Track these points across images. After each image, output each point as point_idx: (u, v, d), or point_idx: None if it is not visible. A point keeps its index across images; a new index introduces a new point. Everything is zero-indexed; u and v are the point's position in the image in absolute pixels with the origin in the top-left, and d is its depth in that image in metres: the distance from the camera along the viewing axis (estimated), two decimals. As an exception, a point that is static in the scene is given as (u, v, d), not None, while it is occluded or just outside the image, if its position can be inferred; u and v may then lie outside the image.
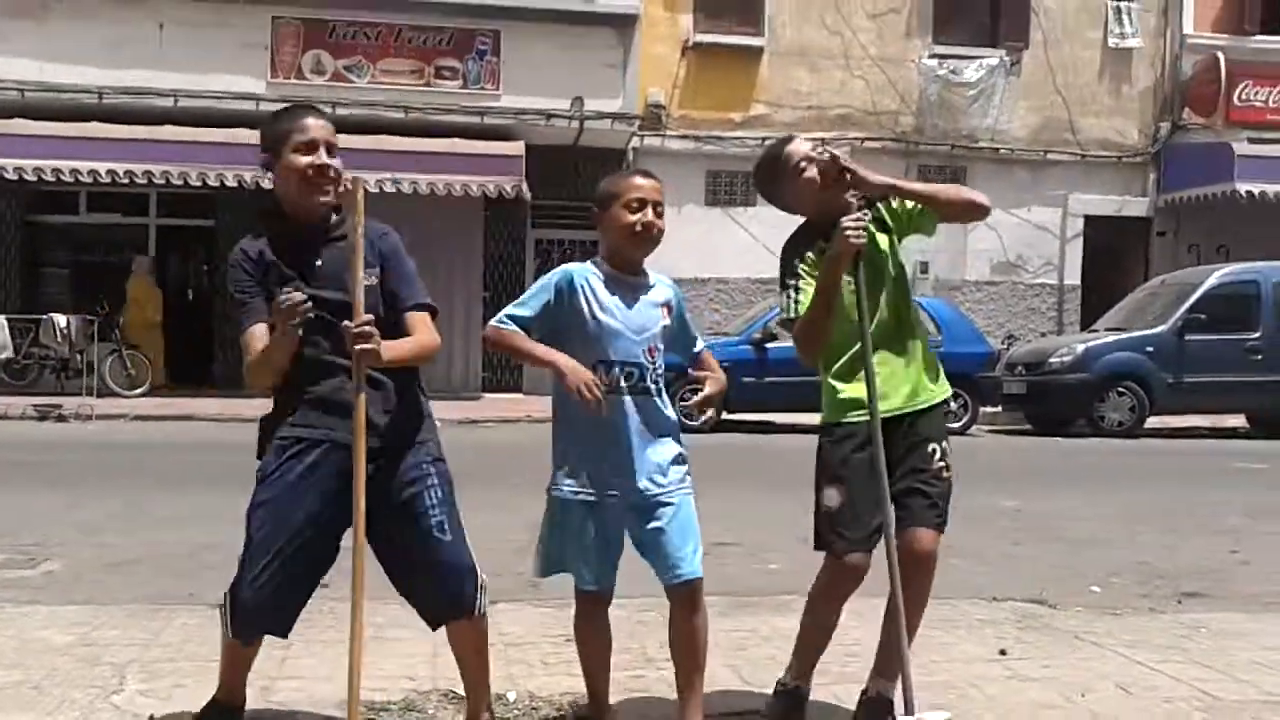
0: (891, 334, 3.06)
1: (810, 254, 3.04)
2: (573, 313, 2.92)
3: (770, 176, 3.14)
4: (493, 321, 2.94)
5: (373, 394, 2.74)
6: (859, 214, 2.92)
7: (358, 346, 2.63)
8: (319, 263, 2.80)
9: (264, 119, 2.93)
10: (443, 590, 2.83)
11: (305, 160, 2.77)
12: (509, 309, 2.95)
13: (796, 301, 3.02)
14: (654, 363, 2.95)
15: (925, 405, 3.08)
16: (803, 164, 3.05)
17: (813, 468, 3.10)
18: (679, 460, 2.96)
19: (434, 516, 2.80)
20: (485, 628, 2.97)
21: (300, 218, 2.83)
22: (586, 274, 2.96)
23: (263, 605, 2.76)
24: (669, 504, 2.90)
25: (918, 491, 3.01)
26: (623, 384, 2.89)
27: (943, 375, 3.17)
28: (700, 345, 3.17)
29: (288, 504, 2.75)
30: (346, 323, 2.65)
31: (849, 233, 2.88)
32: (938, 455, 3.05)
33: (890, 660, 3.02)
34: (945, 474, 3.05)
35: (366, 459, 2.68)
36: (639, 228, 2.92)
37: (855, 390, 3.01)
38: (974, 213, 3.18)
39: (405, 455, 2.82)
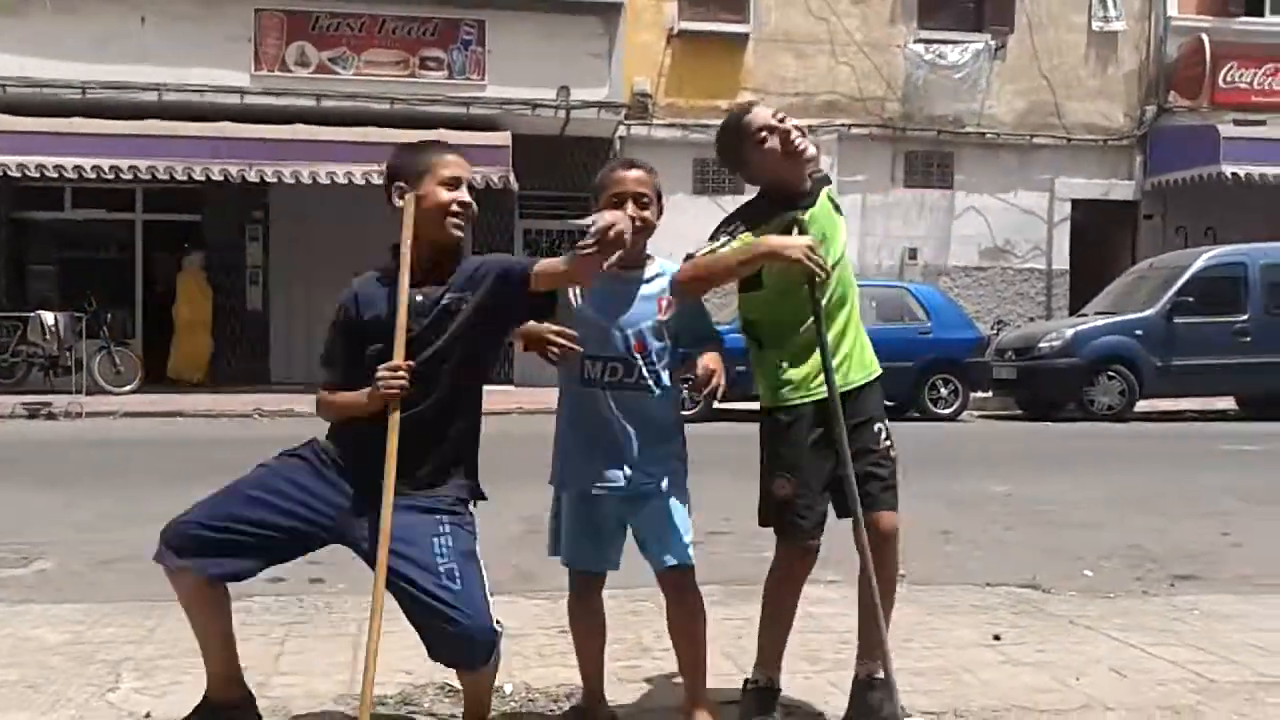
0: (836, 310, 3.02)
1: (748, 233, 2.96)
2: (565, 305, 2.91)
3: (731, 143, 3.08)
4: None
5: (412, 433, 2.72)
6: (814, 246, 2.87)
7: (382, 386, 2.68)
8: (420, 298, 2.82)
9: (399, 151, 2.95)
10: (443, 644, 2.69)
11: (449, 196, 2.84)
12: None
13: (710, 250, 2.97)
14: (643, 357, 2.91)
15: (866, 380, 3.06)
16: (763, 133, 2.98)
17: None
18: (673, 455, 2.95)
19: (442, 564, 2.68)
20: (494, 671, 2.86)
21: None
22: None
23: (198, 526, 2.70)
24: (657, 495, 2.90)
25: (872, 475, 2.99)
26: (606, 378, 2.88)
27: (873, 353, 3.14)
28: (712, 338, 3.04)
29: (281, 488, 2.74)
30: (382, 370, 2.70)
31: (810, 261, 2.83)
32: (884, 434, 3.06)
33: (871, 641, 3.03)
34: (892, 453, 3.06)
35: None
36: None
37: (799, 372, 2.97)
38: None
39: (420, 502, 2.77)
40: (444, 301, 2.81)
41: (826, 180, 3.12)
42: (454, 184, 2.85)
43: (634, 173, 2.95)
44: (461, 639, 2.62)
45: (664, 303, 2.97)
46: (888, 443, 3.06)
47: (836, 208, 3.11)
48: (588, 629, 3.07)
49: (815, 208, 3.02)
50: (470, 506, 2.87)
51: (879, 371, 3.13)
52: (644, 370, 2.91)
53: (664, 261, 3.03)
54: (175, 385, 15.80)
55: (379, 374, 2.69)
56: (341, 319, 2.88)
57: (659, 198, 3.00)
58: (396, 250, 2.80)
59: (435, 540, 2.70)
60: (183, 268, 16.59)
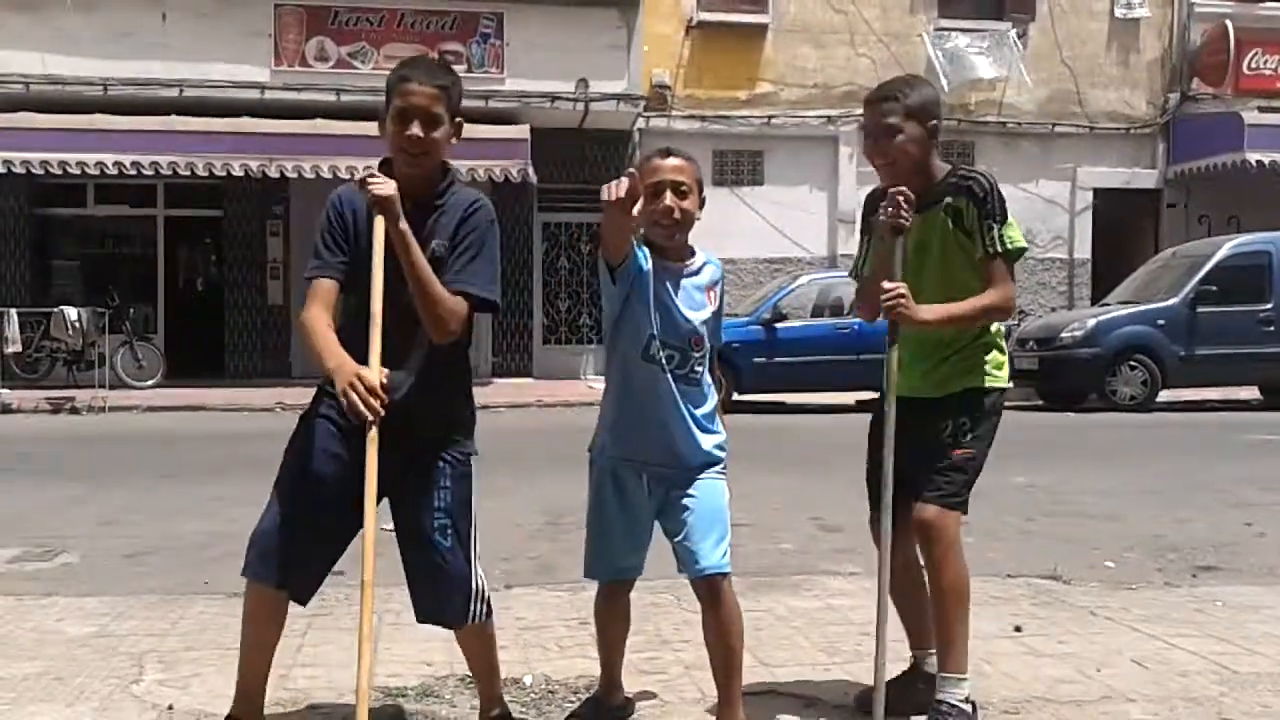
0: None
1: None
2: (607, 285, 2.84)
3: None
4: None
5: (400, 376, 2.66)
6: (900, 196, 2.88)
7: (350, 405, 2.55)
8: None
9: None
10: (430, 596, 2.75)
11: (398, 134, 2.71)
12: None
13: (860, 261, 3.17)
14: (697, 350, 2.87)
15: (937, 396, 3.07)
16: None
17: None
18: (715, 449, 2.90)
19: (438, 519, 2.71)
20: (487, 636, 2.88)
21: None
22: (644, 252, 2.86)
23: (279, 540, 2.67)
24: (697, 489, 2.84)
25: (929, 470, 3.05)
26: (664, 363, 2.83)
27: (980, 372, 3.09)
28: (717, 344, 2.99)
29: (311, 459, 2.72)
30: (359, 389, 2.56)
31: (886, 213, 2.90)
32: (950, 434, 3.07)
33: (939, 644, 3.02)
34: (954, 453, 3.08)
35: (384, 443, 2.57)
36: (656, 215, 2.82)
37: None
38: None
39: (425, 447, 2.73)
40: (431, 250, 2.69)
41: (965, 191, 2.99)
42: (404, 117, 2.68)
43: (671, 161, 2.87)
44: (439, 594, 2.70)
45: (712, 295, 2.95)
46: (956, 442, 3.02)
47: (966, 230, 2.99)
48: (615, 632, 3.06)
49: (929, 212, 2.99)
50: (469, 448, 2.81)
51: (967, 388, 3.06)
52: (696, 364, 2.88)
53: (706, 253, 2.98)
54: (196, 380, 15.89)
55: (353, 391, 2.53)
56: (329, 216, 2.79)
57: (700, 187, 2.91)
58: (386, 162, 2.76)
59: (436, 495, 2.72)
60: None
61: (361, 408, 2.51)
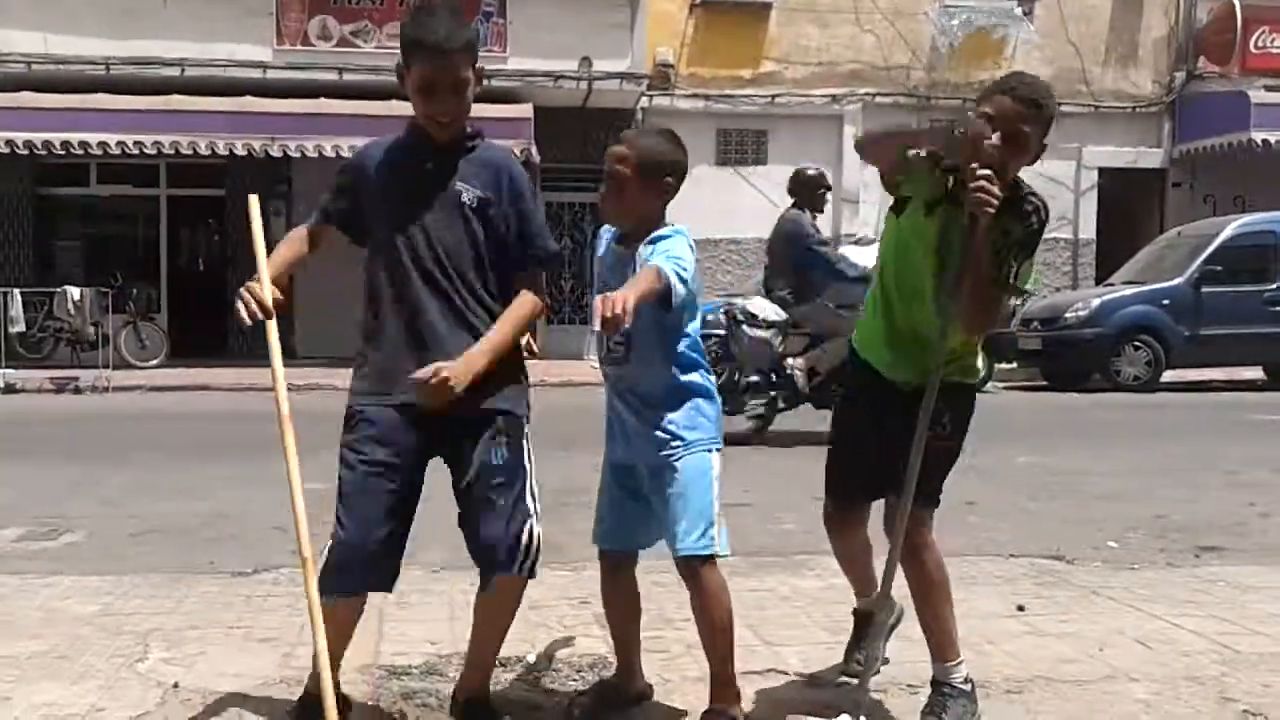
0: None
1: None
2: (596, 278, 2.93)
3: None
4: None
5: (453, 335, 2.71)
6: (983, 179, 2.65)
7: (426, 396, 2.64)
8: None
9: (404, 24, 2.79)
10: (477, 544, 2.75)
11: (422, 108, 2.76)
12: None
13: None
14: (636, 328, 2.67)
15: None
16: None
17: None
18: (688, 425, 2.80)
19: (495, 478, 2.72)
20: (515, 594, 2.83)
21: None
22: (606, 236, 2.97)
23: (356, 547, 2.67)
24: (679, 468, 2.78)
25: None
26: (614, 356, 2.84)
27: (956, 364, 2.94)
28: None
29: (366, 471, 2.71)
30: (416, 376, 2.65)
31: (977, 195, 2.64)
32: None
33: (928, 635, 2.99)
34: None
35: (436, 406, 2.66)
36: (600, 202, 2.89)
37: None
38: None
39: (478, 406, 2.72)
40: (458, 192, 2.74)
41: (1023, 217, 2.81)
42: (432, 89, 2.68)
43: (615, 148, 2.83)
44: (488, 544, 2.71)
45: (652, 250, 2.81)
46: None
47: (997, 249, 2.78)
48: (622, 612, 3.03)
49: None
50: (520, 409, 2.81)
51: (953, 382, 2.90)
52: (635, 344, 2.79)
53: (676, 226, 2.84)
54: (200, 360, 15.90)
55: (239, 299, 2.71)
56: (347, 165, 2.91)
57: (657, 170, 2.81)
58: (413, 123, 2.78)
59: (493, 451, 2.73)
60: None
61: (243, 313, 2.67)
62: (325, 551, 2.69)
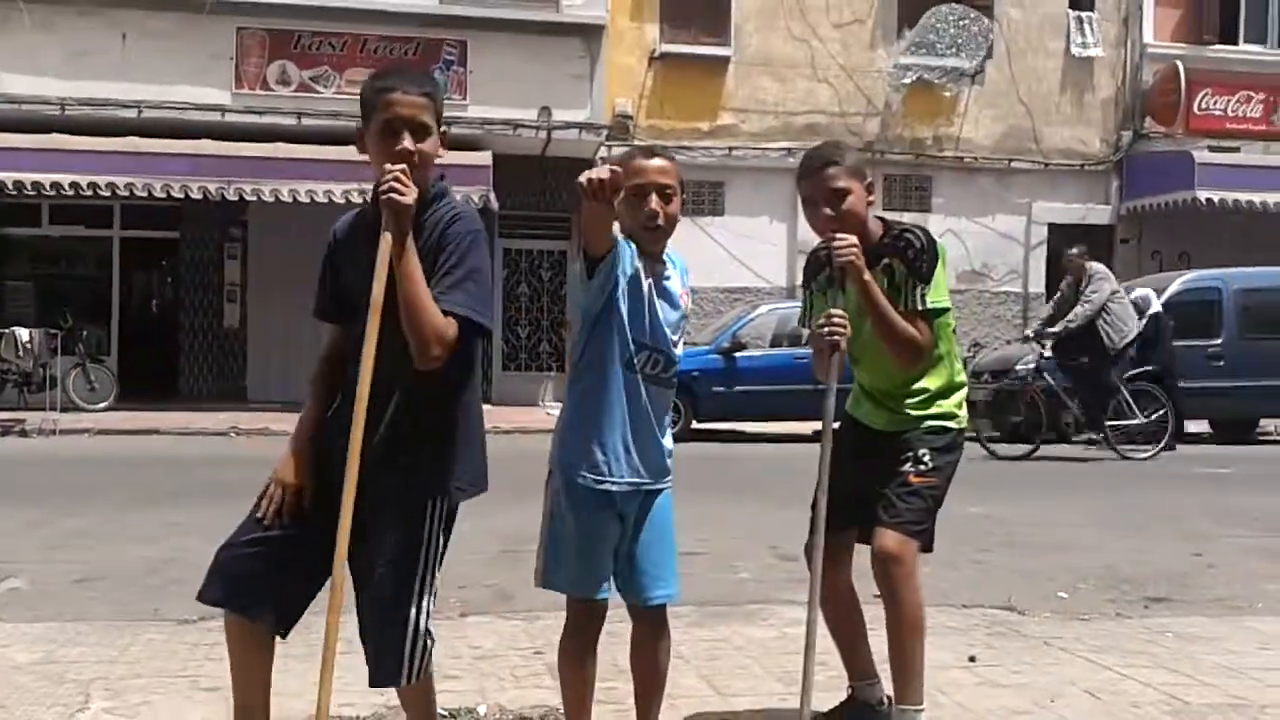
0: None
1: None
2: (574, 276, 2.73)
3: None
4: None
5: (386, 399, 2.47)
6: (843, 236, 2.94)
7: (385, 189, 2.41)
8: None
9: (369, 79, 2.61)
10: (369, 651, 2.55)
11: (387, 149, 2.52)
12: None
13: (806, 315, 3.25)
14: (676, 352, 2.75)
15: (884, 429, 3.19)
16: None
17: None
18: (671, 465, 2.80)
19: (380, 566, 2.47)
20: (425, 688, 2.62)
21: None
22: (632, 251, 2.70)
23: (237, 563, 2.50)
24: (655, 508, 2.71)
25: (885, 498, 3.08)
26: (647, 369, 2.70)
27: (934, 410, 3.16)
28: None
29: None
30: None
31: (837, 257, 2.94)
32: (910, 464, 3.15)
33: (895, 676, 3.04)
34: (913, 480, 3.15)
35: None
36: (641, 219, 2.68)
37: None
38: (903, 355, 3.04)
39: (392, 481, 2.48)
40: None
41: (899, 251, 3.04)
42: (391, 130, 2.47)
43: (656, 162, 2.70)
44: (379, 643, 2.51)
45: (685, 296, 2.85)
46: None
47: (895, 287, 3.03)
48: (586, 673, 2.75)
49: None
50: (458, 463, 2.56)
51: (930, 424, 3.15)
52: (671, 366, 2.75)
53: (670, 253, 2.83)
54: (149, 403, 15.68)
55: (269, 493, 2.51)
56: (327, 249, 2.69)
57: (683, 187, 2.78)
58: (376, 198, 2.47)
59: (385, 535, 2.50)
60: None
61: (271, 510, 2.50)
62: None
